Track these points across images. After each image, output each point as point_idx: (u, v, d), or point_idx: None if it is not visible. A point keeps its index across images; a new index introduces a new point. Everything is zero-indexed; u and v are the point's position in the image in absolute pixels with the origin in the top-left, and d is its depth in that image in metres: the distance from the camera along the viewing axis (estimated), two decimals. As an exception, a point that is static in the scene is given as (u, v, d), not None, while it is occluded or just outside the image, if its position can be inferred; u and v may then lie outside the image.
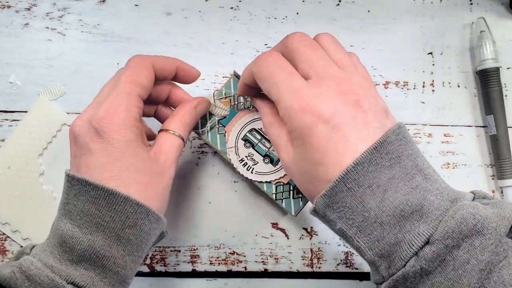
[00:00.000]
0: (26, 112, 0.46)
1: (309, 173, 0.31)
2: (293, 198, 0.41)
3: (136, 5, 0.49)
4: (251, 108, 0.42)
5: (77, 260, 0.31)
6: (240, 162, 0.41)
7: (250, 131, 0.41)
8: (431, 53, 0.51)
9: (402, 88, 0.50)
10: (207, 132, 0.41)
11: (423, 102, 0.50)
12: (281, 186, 0.41)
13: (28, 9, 0.48)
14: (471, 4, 0.52)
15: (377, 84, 0.50)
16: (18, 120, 0.46)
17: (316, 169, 0.30)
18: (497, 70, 0.49)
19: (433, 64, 0.51)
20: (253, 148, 0.41)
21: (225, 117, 0.42)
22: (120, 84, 0.34)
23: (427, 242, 0.28)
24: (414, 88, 0.51)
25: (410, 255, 0.28)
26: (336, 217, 0.30)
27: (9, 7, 0.48)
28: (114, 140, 0.32)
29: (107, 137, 0.32)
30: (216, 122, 0.42)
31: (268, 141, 0.41)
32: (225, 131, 0.42)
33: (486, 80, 0.49)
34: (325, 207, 0.30)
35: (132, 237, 0.32)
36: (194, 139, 0.48)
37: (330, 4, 0.51)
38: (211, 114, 0.41)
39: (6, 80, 0.47)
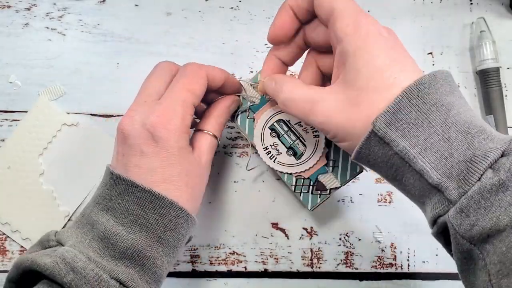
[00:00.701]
0: (26, 112, 0.46)
1: (357, 89, 0.30)
2: (312, 193, 0.41)
3: (136, 5, 0.49)
4: None
5: (119, 257, 0.32)
6: (264, 150, 0.42)
7: (278, 121, 0.42)
8: (431, 53, 0.51)
9: (402, 88, 0.50)
10: (238, 115, 0.42)
11: (423, 102, 0.50)
12: (301, 180, 0.41)
13: (28, 9, 0.48)
14: (471, 4, 0.52)
15: (377, 84, 0.50)
16: (18, 120, 0.46)
17: (368, 79, 0.29)
18: (497, 70, 0.49)
19: (433, 64, 0.51)
20: (278, 138, 0.42)
21: (255, 103, 0.42)
22: (177, 90, 0.35)
23: (501, 155, 0.27)
24: (414, 88, 0.50)
25: (485, 167, 0.26)
26: (399, 135, 0.28)
27: (9, 7, 0.48)
28: (169, 146, 0.34)
29: (162, 143, 0.34)
30: (247, 108, 0.42)
31: (294, 134, 0.42)
32: (254, 117, 0.42)
33: (486, 80, 0.49)
34: (386, 125, 0.28)
35: (171, 239, 0.34)
36: (194, 139, 0.48)
37: (330, 4, 0.51)
38: (243, 99, 0.42)
39: (6, 80, 0.47)
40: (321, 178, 0.41)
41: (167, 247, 0.34)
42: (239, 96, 0.42)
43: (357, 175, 0.41)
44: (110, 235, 0.33)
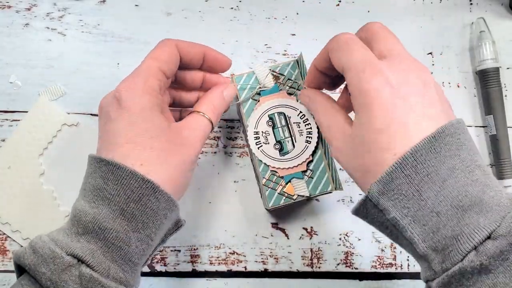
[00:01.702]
0: (26, 112, 0.46)
1: (367, 146, 0.30)
2: (278, 193, 0.41)
3: (136, 5, 0.49)
4: (293, 95, 0.43)
5: (82, 232, 0.31)
6: (254, 134, 0.42)
7: (279, 113, 0.42)
8: (431, 53, 0.51)
9: (402, 88, 0.50)
10: (244, 92, 0.43)
11: (423, 102, 0.50)
12: (275, 176, 0.41)
13: (28, 9, 0.48)
14: (471, 4, 0.52)
15: (377, 84, 0.50)
16: (18, 120, 0.46)
17: (376, 139, 0.29)
18: (497, 70, 0.49)
19: (433, 64, 0.51)
20: (272, 129, 0.42)
21: (267, 88, 0.43)
22: (143, 60, 0.36)
23: (488, 237, 0.26)
24: (414, 88, 0.50)
25: (469, 249, 0.26)
26: (390, 205, 0.29)
27: (9, 7, 0.48)
28: (130, 106, 0.34)
29: (124, 104, 0.34)
30: (257, 89, 0.43)
31: (289, 131, 0.42)
32: (259, 100, 0.43)
33: (486, 80, 0.49)
34: (379, 194, 0.29)
35: (137, 212, 0.32)
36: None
37: (330, 4, 0.51)
38: (256, 79, 0.43)
39: (6, 80, 0.47)
40: (294, 182, 0.41)
41: (133, 221, 0.32)
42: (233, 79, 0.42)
43: (326, 193, 0.41)
44: (76, 212, 0.32)
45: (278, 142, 0.42)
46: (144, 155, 0.33)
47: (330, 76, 0.38)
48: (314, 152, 0.42)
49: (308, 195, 0.41)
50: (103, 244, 0.31)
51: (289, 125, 0.42)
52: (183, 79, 0.40)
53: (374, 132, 0.29)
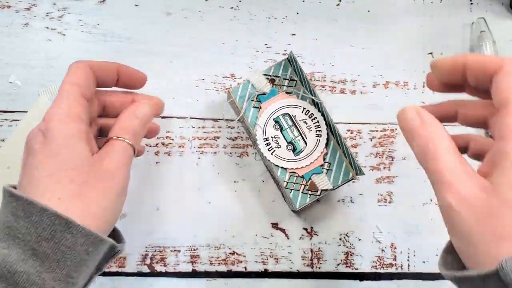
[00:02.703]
0: (26, 112, 0.46)
1: (509, 210, 0.24)
2: (302, 192, 0.41)
3: (136, 5, 0.49)
4: (292, 93, 0.43)
5: None
6: (264, 141, 0.42)
7: (284, 115, 0.42)
8: (431, 53, 0.51)
9: (402, 88, 0.50)
10: (244, 102, 0.43)
11: (423, 102, 0.50)
12: (295, 177, 0.41)
13: (28, 9, 0.48)
14: (471, 4, 0.52)
15: (377, 84, 0.50)
16: (18, 120, 0.46)
17: None
18: (497, 70, 0.49)
19: (433, 64, 0.51)
20: (281, 131, 0.42)
21: (265, 93, 0.42)
22: (60, 88, 0.34)
23: None
24: (414, 88, 0.50)
25: None
26: None
27: (9, 7, 0.48)
28: (55, 135, 0.32)
29: (49, 134, 0.32)
30: (255, 96, 0.42)
31: (298, 130, 0.42)
32: (260, 107, 0.42)
33: (486, 80, 0.49)
34: None
35: (50, 251, 0.29)
36: (194, 139, 0.48)
37: (330, 4, 0.51)
38: (253, 87, 0.42)
39: (6, 80, 0.47)
40: (315, 178, 0.41)
41: (46, 261, 0.29)
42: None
43: (348, 181, 0.41)
44: None
45: (290, 143, 0.42)
46: (62, 189, 0.31)
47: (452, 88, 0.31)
48: (326, 144, 0.42)
49: (331, 187, 0.41)
50: None
51: (296, 123, 0.42)
52: (112, 105, 0.38)
53: None
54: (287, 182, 0.41)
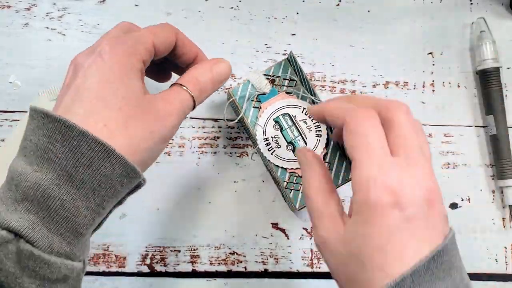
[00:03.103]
0: (26, 112, 0.46)
1: (361, 258, 0.28)
2: (302, 192, 0.41)
3: (136, 5, 0.49)
4: (292, 93, 0.43)
5: (20, 199, 0.27)
6: (264, 141, 0.42)
7: (284, 115, 0.42)
8: (431, 53, 0.51)
9: (402, 88, 0.50)
10: (244, 103, 0.42)
11: (423, 102, 0.50)
12: (295, 177, 0.41)
13: (28, 9, 0.48)
14: (471, 4, 0.52)
15: (377, 84, 0.50)
16: (18, 120, 0.46)
17: (372, 255, 0.27)
18: (497, 70, 0.49)
19: (433, 64, 0.51)
20: (281, 131, 0.42)
21: (265, 93, 0.42)
22: (136, 31, 0.33)
23: None
24: (414, 88, 0.51)
25: None
26: None
27: (9, 7, 0.48)
28: (111, 59, 0.30)
29: (105, 56, 0.30)
30: (255, 96, 0.42)
31: (298, 130, 0.42)
32: (260, 107, 0.42)
33: (486, 80, 0.49)
34: None
35: (87, 178, 0.28)
36: (194, 139, 0.48)
37: (330, 4, 0.51)
38: (252, 86, 0.42)
39: (6, 80, 0.47)
40: None
41: (82, 189, 0.28)
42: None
43: (348, 181, 0.41)
44: (15, 175, 0.28)
45: (290, 143, 0.42)
46: (110, 115, 0.29)
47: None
48: (326, 144, 0.42)
49: None
50: (46, 214, 0.27)
51: (296, 124, 0.42)
52: (182, 46, 0.36)
53: (372, 248, 0.27)
54: (287, 182, 0.41)
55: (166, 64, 0.38)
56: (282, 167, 0.42)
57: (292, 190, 0.41)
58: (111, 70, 0.30)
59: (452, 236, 0.29)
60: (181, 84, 0.33)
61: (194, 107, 0.34)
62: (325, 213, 0.30)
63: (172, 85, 0.34)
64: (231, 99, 0.43)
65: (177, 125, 0.33)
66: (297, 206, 0.41)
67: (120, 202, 0.32)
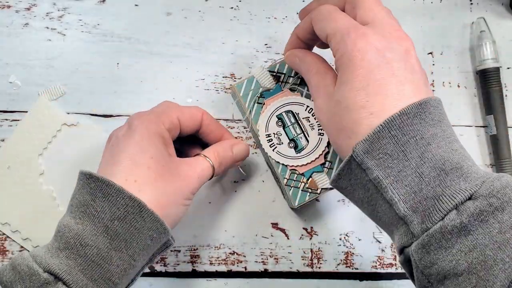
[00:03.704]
0: (26, 112, 0.46)
1: (345, 103, 0.30)
2: (302, 190, 0.41)
3: (136, 5, 0.49)
4: (296, 91, 0.43)
5: (63, 247, 0.31)
6: (266, 137, 0.42)
7: (287, 112, 0.42)
8: (431, 53, 0.51)
9: (402, 88, 0.50)
10: (247, 99, 0.43)
11: (423, 102, 0.50)
12: (295, 174, 0.42)
13: (28, 9, 0.48)
14: (471, 4, 0.52)
15: (377, 84, 0.50)
16: (18, 120, 0.46)
17: (355, 98, 0.30)
18: (497, 70, 0.49)
19: (433, 64, 0.51)
20: (283, 128, 0.42)
21: (269, 90, 0.42)
22: (162, 104, 0.39)
23: (469, 198, 0.27)
24: (414, 88, 0.50)
25: (450, 208, 0.27)
26: (374, 164, 0.29)
27: (9, 7, 0.48)
28: (139, 129, 0.35)
29: (134, 127, 0.35)
30: (259, 93, 0.43)
31: (300, 128, 0.42)
32: (264, 103, 0.42)
33: (486, 80, 0.49)
34: (364, 153, 0.29)
35: (121, 230, 0.32)
36: (194, 139, 0.48)
37: (330, 4, 0.51)
38: (257, 82, 0.43)
39: (6, 80, 0.47)
40: (315, 176, 0.41)
41: (116, 239, 0.31)
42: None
43: None
44: (61, 228, 0.32)
45: (292, 140, 0.42)
46: (140, 173, 0.33)
47: (312, 45, 0.39)
48: (328, 143, 0.42)
49: (331, 186, 0.41)
50: (82, 260, 0.31)
51: (299, 121, 0.42)
52: (207, 129, 0.41)
53: (354, 90, 0.30)
54: (288, 179, 0.42)
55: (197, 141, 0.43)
56: (283, 164, 0.42)
57: (292, 188, 0.41)
58: (139, 135, 0.35)
59: (439, 100, 0.31)
60: (204, 155, 0.38)
61: (212, 177, 0.39)
62: (321, 85, 0.34)
63: (196, 154, 0.39)
64: (236, 99, 0.43)
65: (197, 188, 0.37)
66: (296, 204, 0.41)
67: (151, 260, 0.36)
